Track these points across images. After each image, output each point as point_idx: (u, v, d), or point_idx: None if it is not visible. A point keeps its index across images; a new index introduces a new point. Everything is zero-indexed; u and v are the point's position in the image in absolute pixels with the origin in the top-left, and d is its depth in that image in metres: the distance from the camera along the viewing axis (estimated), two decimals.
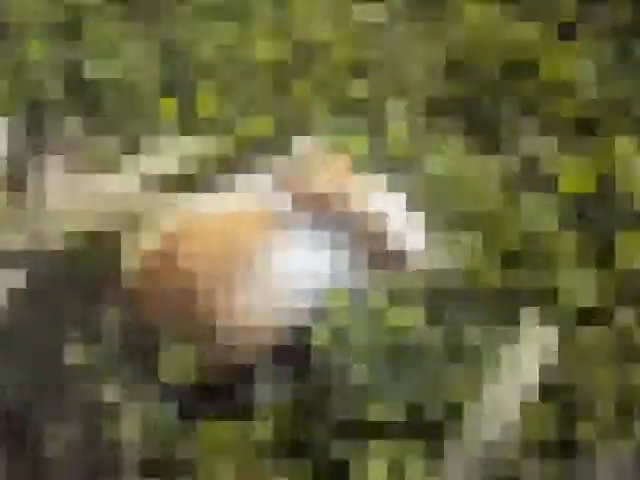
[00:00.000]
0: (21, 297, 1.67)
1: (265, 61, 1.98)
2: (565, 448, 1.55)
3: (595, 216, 1.79)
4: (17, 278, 1.51)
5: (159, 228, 1.59)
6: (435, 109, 2.01)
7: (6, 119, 1.84)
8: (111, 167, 1.72)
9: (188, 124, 1.93)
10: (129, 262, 1.59)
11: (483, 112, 1.98)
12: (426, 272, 1.63)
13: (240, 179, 1.75)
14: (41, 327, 1.65)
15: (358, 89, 1.98)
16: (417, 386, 1.52)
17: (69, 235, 1.63)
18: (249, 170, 1.87)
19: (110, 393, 1.54)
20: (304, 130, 1.92)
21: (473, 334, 1.59)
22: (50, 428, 1.59)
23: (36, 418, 1.61)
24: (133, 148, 1.73)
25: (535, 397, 1.43)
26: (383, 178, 1.86)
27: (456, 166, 1.72)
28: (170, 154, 1.69)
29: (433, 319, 1.60)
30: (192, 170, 1.84)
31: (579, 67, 2.00)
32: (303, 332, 1.57)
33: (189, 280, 1.52)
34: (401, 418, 1.52)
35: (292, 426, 1.54)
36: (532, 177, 1.86)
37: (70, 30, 2.12)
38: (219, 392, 1.63)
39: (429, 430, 1.53)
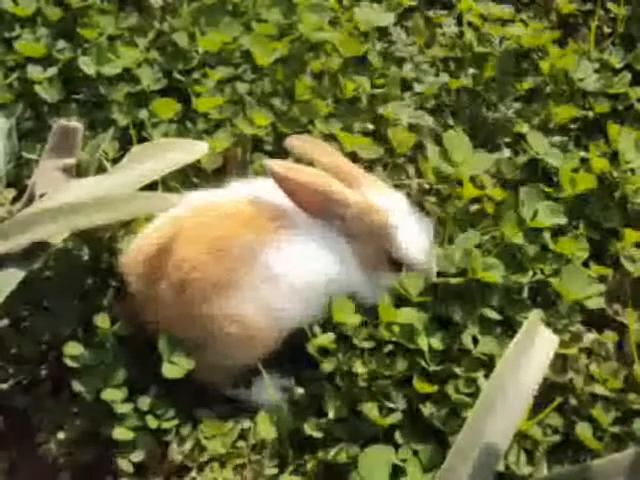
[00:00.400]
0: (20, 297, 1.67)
1: (266, 59, 1.98)
2: (569, 451, 1.56)
3: (598, 214, 1.79)
4: (17, 278, 1.51)
5: (155, 229, 1.59)
6: (437, 106, 2.01)
7: (5, 120, 1.84)
8: (108, 166, 1.72)
9: (186, 122, 1.93)
10: (125, 263, 1.59)
11: (484, 108, 1.98)
12: (428, 272, 1.63)
13: (238, 179, 1.75)
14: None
15: (359, 87, 1.97)
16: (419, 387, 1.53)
17: (68, 236, 1.63)
18: (248, 169, 1.87)
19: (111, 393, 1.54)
20: (304, 129, 1.92)
21: (474, 335, 1.59)
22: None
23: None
24: (131, 147, 1.73)
25: (530, 399, 1.42)
26: (385, 177, 1.86)
27: (458, 163, 1.72)
28: (167, 153, 1.68)
29: (435, 320, 1.60)
30: (189, 169, 1.85)
31: (581, 64, 2.00)
32: (304, 334, 1.57)
33: (185, 282, 1.51)
34: (403, 420, 1.53)
35: (293, 428, 1.55)
36: (533, 174, 1.87)
37: (66, 26, 2.13)
38: (220, 394, 1.64)
39: (431, 433, 1.53)
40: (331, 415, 1.53)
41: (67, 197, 1.58)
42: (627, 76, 1.99)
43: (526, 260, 1.66)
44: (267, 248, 1.53)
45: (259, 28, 2.05)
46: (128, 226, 1.75)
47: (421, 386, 1.53)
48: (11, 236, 1.51)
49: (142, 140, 1.87)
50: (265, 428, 1.54)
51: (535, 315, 1.49)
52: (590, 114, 1.96)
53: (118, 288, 1.70)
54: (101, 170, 1.69)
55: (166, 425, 1.55)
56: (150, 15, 2.16)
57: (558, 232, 1.71)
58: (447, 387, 1.54)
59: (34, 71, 2.00)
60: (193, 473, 1.53)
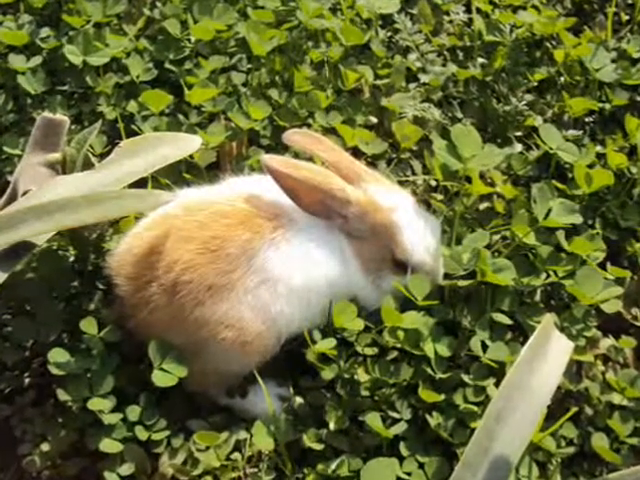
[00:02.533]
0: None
1: (263, 48, 1.99)
2: (585, 464, 1.56)
3: (615, 212, 1.80)
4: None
5: (145, 228, 1.59)
6: (444, 98, 2.02)
7: None
8: (95, 162, 1.72)
9: (178, 115, 1.94)
10: (113, 264, 1.59)
11: (494, 100, 1.99)
12: (435, 274, 1.64)
13: (233, 175, 1.75)
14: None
15: (362, 78, 1.98)
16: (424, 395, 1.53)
17: (53, 235, 1.64)
18: (243, 165, 1.88)
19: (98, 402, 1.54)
20: (303, 122, 1.93)
21: (484, 340, 1.60)
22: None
23: None
24: (120, 141, 1.73)
25: (543, 409, 1.43)
26: (389, 173, 1.87)
27: (466, 158, 1.72)
28: (157, 148, 1.69)
29: (442, 325, 1.60)
30: (181, 165, 1.85)
31: (597, 53, 2.01)
32: (303, 340, 1.58)
33: (177, 284, 1.52)
34: (408, 431, 1.53)
35: (291, 439, 1.55)
36: (546, 170, 1.87)
37: (51, 13, 2.13)
38: (214, 403, 1.64)
39: (437, 445, 1.54)
40: (332, 426, 1.54)
41: (52, 194, 1.58)
42: None
43: (539, 261, 1.67)
44: (264, 248, 1.54)
45: (255, 15, 2.06)
46: (116, 225, 1.76)
47: (427, 395, 1.53)
48: None
49: (131, 134, 1.87)
50: (262, 439, 1.54)
51: (548, 319, 1.49)
52: (607, 106, 1.97)
53: (106, 291, 1.70)
54: (88, 166, 1.69)
55: (156, 436, 1.56)
56: (140, 1, 2.16)
57: (573, 232, 1.72)
58: (455, 396, 1.55)
59: (16, 61, 2.01)
60: None
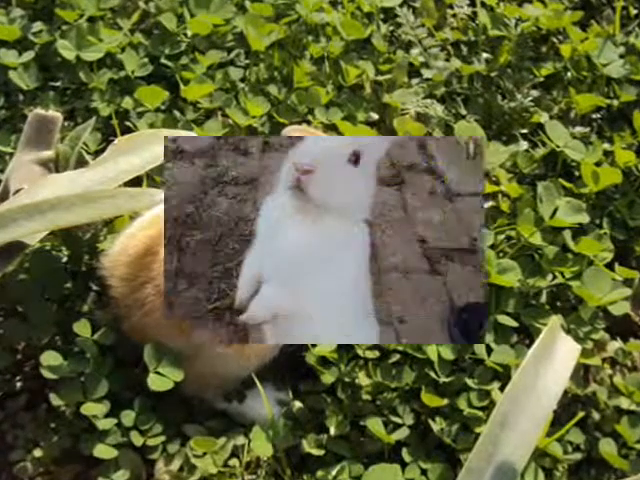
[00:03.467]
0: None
1: (261, 42, 1.99)
2: (592, 470, 1.56)
3: (623, 211, 1.80)
4: None
5: (140, 228, 1.59)
6: (447, 94, 2.02)
7: None
8: (89, 160, 1.72)
9: (174, 111, 1.94)
10: (107, 265, 1.59)
11: (499, 97, 1.99)
12: None
13: None
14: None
15: (363, 73, 1.98)
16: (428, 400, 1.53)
17: (45, 235, 1.64)
18: None
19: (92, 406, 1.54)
20: (303, 118, 1.93)
21: (488, 343, 1.60)
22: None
23: None
24: (114, 138, 1.73)
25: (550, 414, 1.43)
26: None
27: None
28: (153, 146, 1.69)
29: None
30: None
31: (604, 48, 2.01)
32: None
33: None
34: (410, 437, 1.53)
35: (291, 445, 1.55)
36: (552, 169, 1.87)
37: (43, 7, 2.13)
38: (211, 408, 1.64)
39: (441, 450, 1.54)
40: (332, 431, 1.54)
41: (45, 193, 1.58)
42: None
43: (545, 262, 1.67)
44: None
45: (254, 9, 2.06)
46: (110, 225, 1.75)
47: (430, 399, 1.53)
48: None
49: (126, 131, 1.87)
50: (260, 445, 1.54)
51: (555, 322, 1.49)
52: (615, 103, 1.97)
53: (100, 292, 1.70)
54: (81, 164, 1.69)
55: (152, 442, 1.56)
56: None
57: (580, 231, 1.72)
58: (458, 400, 1.54)
59: (8, 56, 2.01)
60: None
